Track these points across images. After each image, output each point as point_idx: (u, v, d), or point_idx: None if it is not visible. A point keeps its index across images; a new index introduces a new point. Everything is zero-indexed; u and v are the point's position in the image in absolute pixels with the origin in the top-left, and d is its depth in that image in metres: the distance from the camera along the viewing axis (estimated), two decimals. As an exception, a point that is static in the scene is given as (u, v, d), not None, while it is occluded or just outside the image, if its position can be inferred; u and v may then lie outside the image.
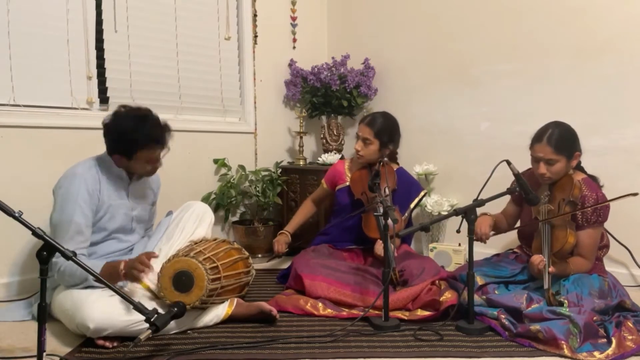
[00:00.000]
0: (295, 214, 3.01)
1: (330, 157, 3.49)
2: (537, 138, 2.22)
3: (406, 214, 2.67)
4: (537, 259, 2.08)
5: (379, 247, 2.47)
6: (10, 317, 2.17)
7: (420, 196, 2.74)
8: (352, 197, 2.71)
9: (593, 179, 2.28)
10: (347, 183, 2.79)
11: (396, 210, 2.55)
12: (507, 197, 2.40)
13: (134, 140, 2.07)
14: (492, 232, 2.36)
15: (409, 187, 2.73)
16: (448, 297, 2.20)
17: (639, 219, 2.68)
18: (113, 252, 2.20)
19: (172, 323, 1.90)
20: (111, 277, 1.90)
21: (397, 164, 2.87)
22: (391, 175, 2.65)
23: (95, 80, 2.86)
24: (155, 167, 2.22)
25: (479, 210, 2.10)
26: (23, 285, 2.53)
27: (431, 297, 2.19)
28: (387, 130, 2.68)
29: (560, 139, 2.17)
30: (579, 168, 2.33)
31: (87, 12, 2.81)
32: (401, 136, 2.80)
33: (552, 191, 2.24)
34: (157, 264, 2.10)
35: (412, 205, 2.71)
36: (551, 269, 2.03)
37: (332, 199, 2.93)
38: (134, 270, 1.93)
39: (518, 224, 2.49)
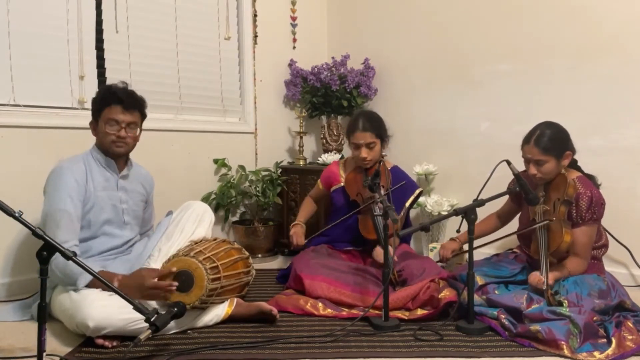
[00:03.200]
0: (300, 209, 2.96)
1: (330, 157, 3.49)
2: (526, 139, 2.22)
3: (402, 213, 2.66)
4: (535, 278, 2.07)
5: (378, 254, 2.46)
6: (10, 317, 2.17)
7: (415, 194, 2.72)
8: (348, 198, 2.70)
9: (590, 177, 2.28)
10: (342, 184, 2.78)
11: (394, 210, 2.55)
12: (507, 196, 2.40)
13: (101, 100, 2.17)
14: (453, 255, 2.49)
15: (404, 186, 2.71)
16: (446, 294, 2.20)
17: (638, 219, 2.68)
18: (108, 249, 2.20)
19: (172, 323, 1.90)
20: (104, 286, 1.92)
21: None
22: (386, 174, 2.64)
23: (95, 80, 2.85)
24: (119, 137, 2.14)
25: (478, 211, 2.10)
26: (22, 285, 2.53)
27: (429, 294, 2.19)
28: (382, 126, 2.67)
29: (548, 140, 2.16)
30: (575, 167, 2.33)
31: (84, 13, 2.81)
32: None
33: (547, 191, 2.24)
34: (157, 264, 2.10)
35: (407, 204, 2.69)
36: (551, 280, 2.02)
37: (328, 199, 2.92)
38: (149, 292, 1.90)
39: (516, 223, 2.49)
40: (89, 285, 1.92)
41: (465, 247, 2.42)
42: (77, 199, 2.07)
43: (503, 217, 2.55)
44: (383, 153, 2.74)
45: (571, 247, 2.16)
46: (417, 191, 2.74)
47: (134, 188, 2.33)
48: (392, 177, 2.67)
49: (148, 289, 1.89)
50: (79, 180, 2.10)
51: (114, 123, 2.14)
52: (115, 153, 2.19)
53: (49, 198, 2.08)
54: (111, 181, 2.23)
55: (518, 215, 2.49)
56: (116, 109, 2.14)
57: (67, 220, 2.03)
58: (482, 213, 2.26)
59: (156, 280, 1.92)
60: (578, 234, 2.16)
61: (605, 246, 2.33)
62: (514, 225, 2.49)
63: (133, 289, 1.88)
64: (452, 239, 2.52)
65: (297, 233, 2.74)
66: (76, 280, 1.92)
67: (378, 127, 2.64)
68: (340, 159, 3.42)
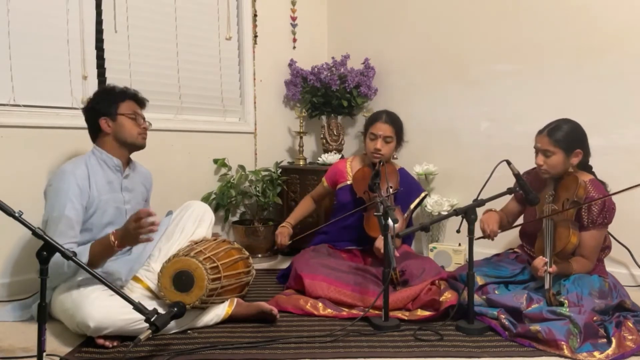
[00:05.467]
0: (295, 208, 2.97)
1: (330, 157, 3.49)
2: (541, 130, 2.25)
3: (406, 215, 2.67)
4: (540, 262, 2.08)
5: (379, 243, 2.46)
6: (10, 317, 2.17)
7: (420, 197, 2.74)
8: (354, 196, 2.70)
9: (602, 183, 2.27)
10: (349, 182, 2.77)
11: (397, 210, 2.55)
12: (507, 197, 2.40)
13: (112, 96, 2.21)
14: (500, 230, 2.31)
15: (410, 188, 2.73)
16: (448, 297, 2.20)
17: (639, 219, 2.68)
18: None
19: (172, 323, 1.90)
20: (104, 253, 1.96)
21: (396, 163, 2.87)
22: (394, 175, 2.65)
23: (95, 81, 2.85)
24: (144, 129, 2.26)
25: (479, 210, 2.10)
26: (22, 285, 2.53)
27: (431, 297, 2.19)
28: (402, 128, 2.70)
29: (561, 133, 2.18)
30: (590, 171, 2.32)
31: (84, 12, 2.80)
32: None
33: (557, 190, 2.24)
34: (157, 264, 2.10)
35: (412, 206, 2.70)
36: (552, 268, 2.03)
37: (331, 197, 2.93)
38: (137, 232, 1.88)
39: (520, 221, 2.49)
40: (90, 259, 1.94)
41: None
42: (78, 204, 2.06)
43: (510, 217, 2.54)
44: (394, 156, 2.76)
45: (579, 249, 2.16)
46: (422, 194, 2.76)
47: (136, 187, 2.34)
48: (400, 179, 2.69)
49: (134, 228, 1.87)
50: (82, 185, 2.09)
51: (135, 116, 2.23)
52: (140, 145, 2.27)
53: (50, 202, 2.07)
54: (115, 183, 2.22)
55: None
56: (133, 103, 2.24)
57: (66, 227, 2.02)
58: (482, 213, 2.26)
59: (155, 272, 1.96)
60: (587, 237, 2.16)
61: (609, 247, 2.33)
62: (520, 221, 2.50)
63: (127, 237, 1.91)
64: (490, 210, 2.38)
65: (282, 233, 2.77)
66: (75, 272, 1.94)
67: (399, 126, 2.68)
68: (341, 158, 3.43)
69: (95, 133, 2.25)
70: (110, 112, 2.20)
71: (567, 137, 2.18)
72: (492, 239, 2.30)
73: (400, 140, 2.71)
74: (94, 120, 2.22)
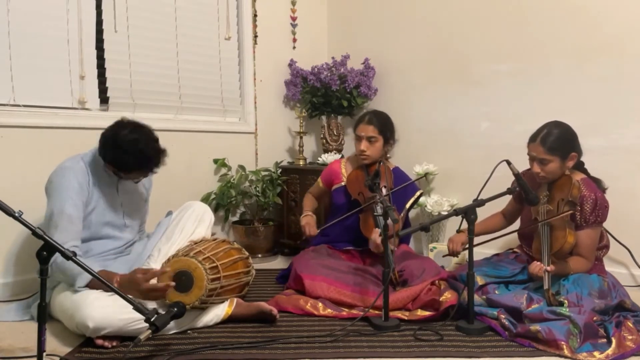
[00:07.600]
0: (303, 203, 2.93)
1: (330, 157, 3.49)
2: (533, 137, 2.23)
3: (402, 214, 2.67)
4: (535, 267, 2.08)
5: (375, 235, 2.44)
6: (10, 317, 2.17)
7: (416, 196, 2.73)
8: (349, 197, 2.70)
9: (595, 181, 2.27)
10: (343, 183, 2.78)
11: (394, 210, 2.55)
12: (508, 196, 2.41)
13: (126, 164, 2.08)
14: (462, 250, 2.40)
15: (405, 187, 2.72)
16: (448, 297, 2.19)
17: (639, 219, 2.68)
18: (109, 250, 2.20)
19: (172, 323, 1.90)
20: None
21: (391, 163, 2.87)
22: (389, 174, 2.65)
23: (95, 80, 2.86)
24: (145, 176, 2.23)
25: (479, 211, 2.10)
26: (22, 285, 2.53)
27: (431, 297, 2.19)
28: (388, 125, 2.70)
29: (554, 140, 2.17)
30: (582, 169, 2.32)
31: (83, 12, 2.80)
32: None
33: (551, 191, 2.24)
34: (156, 264, 2.10)
35: (407, 205, 2.70)
36: (550, 267, 2.03)
37: (329, 197, 2.93)
38: (148, 294, 1.89)
39: (518, 222, 2.49)
40: (89, 286, 1.92)
41: (475, 239, 2.42)
42: (78, 200, 2.07)
43: (508, 216, 2.55)
44: (387, 155, 2.76)
45: (575, 248, 2.16)
46: (418, 193, 2.75)
47: (135, 189, 2.33)
48: (394, 178, 2.68)
49: (146, 291, 1.89)
50: (81, 182, 2.10)
51: (141, 176, 2.19)
52: None
53: (51, 199, 2.08)
54: (112, 186, 2.22)
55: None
56: (144, 172, 2.15)
57: (67, 223, 2.02)
58: (482, 213, 2.26)
59: (154, 281, 1.92)
60: (582, 236, 2.16)
61: (607, 247, 2.33)
62: (517, 224, 2.49)
63: (131, 290, 1.87)
64: (459, 231, 2.47)
65: (310, 223, 2.71)
66: (75, 281, 1.92)
67: (383, 125, 2.67)
68: (341, 158, 3.43)
69: (99, 154, 2.16)
70: (119, 173, 2.13)
71: (561, 143, 2.17)
72: (456, 257, 2.46)
73: (388, 138, 2.69)
74: (104, 157, 2.11)
